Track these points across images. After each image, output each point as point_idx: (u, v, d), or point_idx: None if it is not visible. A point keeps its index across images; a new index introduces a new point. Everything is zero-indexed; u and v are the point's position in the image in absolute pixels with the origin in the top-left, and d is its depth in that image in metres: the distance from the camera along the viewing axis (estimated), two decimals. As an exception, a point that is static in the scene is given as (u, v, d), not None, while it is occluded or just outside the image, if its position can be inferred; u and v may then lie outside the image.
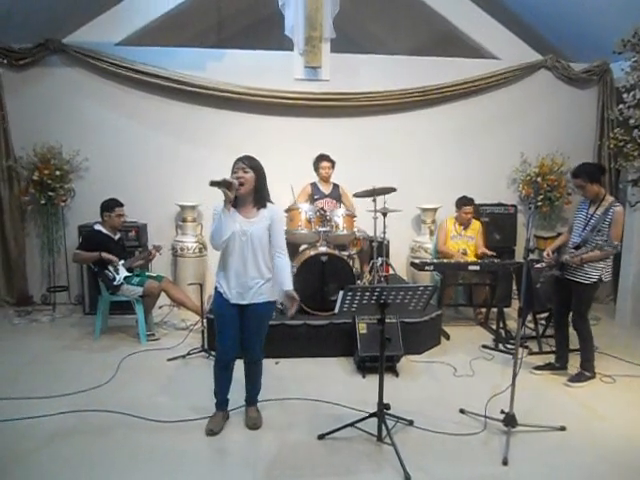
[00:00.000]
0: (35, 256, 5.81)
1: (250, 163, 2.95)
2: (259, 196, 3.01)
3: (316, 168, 5.26)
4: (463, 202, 5.24)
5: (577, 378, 3.86)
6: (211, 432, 3.09)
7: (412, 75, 5.99)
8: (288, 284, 3.02)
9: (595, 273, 3.74)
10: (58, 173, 5.42)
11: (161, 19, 5.72)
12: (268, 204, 3.05)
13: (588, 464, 2.86)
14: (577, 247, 3.81)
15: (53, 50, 5.50)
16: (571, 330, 4.01)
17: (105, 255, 4.57)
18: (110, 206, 4.73)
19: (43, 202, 5.50)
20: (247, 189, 2.93)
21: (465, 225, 5.32)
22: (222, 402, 3.23)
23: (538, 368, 4.09)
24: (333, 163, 5.25)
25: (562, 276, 3.88)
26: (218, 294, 3.05)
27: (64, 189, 5.55)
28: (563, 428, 3.17)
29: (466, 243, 5.32)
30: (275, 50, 5.89)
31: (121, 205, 4.79)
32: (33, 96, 5.58)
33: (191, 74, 5.64)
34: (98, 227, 4.77)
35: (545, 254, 4.00)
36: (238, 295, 2.99)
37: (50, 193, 5.45)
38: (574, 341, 4.03)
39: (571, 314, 3.96)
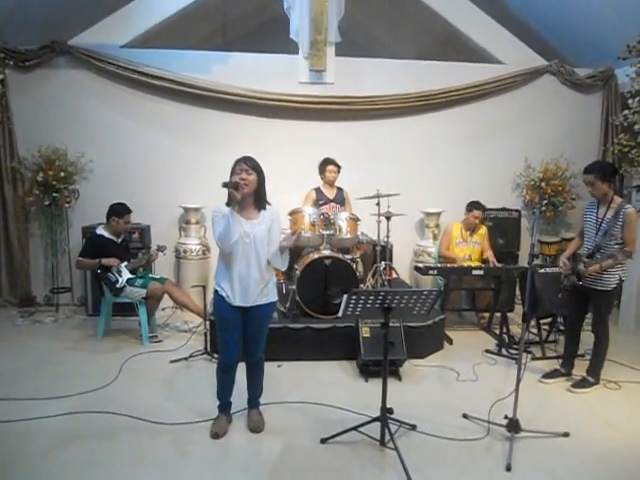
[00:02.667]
0: (38, 257, 5.82)
1: (252, 164, 2.95)
2: (259, 198, 3.02)
3: (322, 171, 5.25)
4: (474, 206, 5.22)
5: (581, 384, 3.83)
6: (216, 435, 3.08)
7: (416, 79, 6.00)
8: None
9: (613, 279, 3.67)
10: (62, 174, 5.42)
11: (167, 22, 5.74)
12: (267, 206, 3.07)
13: (591, 471, 2.85)
14: (591, 255, 3.72)
15: (59, 52, 5.52)
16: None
17: (105, 261, 4.57)
18: (119, 212, 4.71)
19: (47, 203, 5.51)
20: (249, 191, 2.93)
21: (472, 230, 5.31)
22: (226, 405, 3.22)
23: (547, 376, 4.01)
24: (339, 167, 5.25)
25: (579, 284, 3.77)
26: (220, 298, 3.02)
27: (68, 190, 5.56)
28: (567, 434, 3.15)
29: (472, 249, 5.30)
30: (280, 53, 5.90)
31: (130, 212, 4.79)
32: (38, 97, 5.60)
33: (196, 77, 5.66)
34: (100, 231, 4.75)
35: (561, 263, 3.88)
36: (242, 298, 2.98)
37: (54, 194, 5.45)
38: (581, 348, 4.03)
39: (591, 319, 3.86)
